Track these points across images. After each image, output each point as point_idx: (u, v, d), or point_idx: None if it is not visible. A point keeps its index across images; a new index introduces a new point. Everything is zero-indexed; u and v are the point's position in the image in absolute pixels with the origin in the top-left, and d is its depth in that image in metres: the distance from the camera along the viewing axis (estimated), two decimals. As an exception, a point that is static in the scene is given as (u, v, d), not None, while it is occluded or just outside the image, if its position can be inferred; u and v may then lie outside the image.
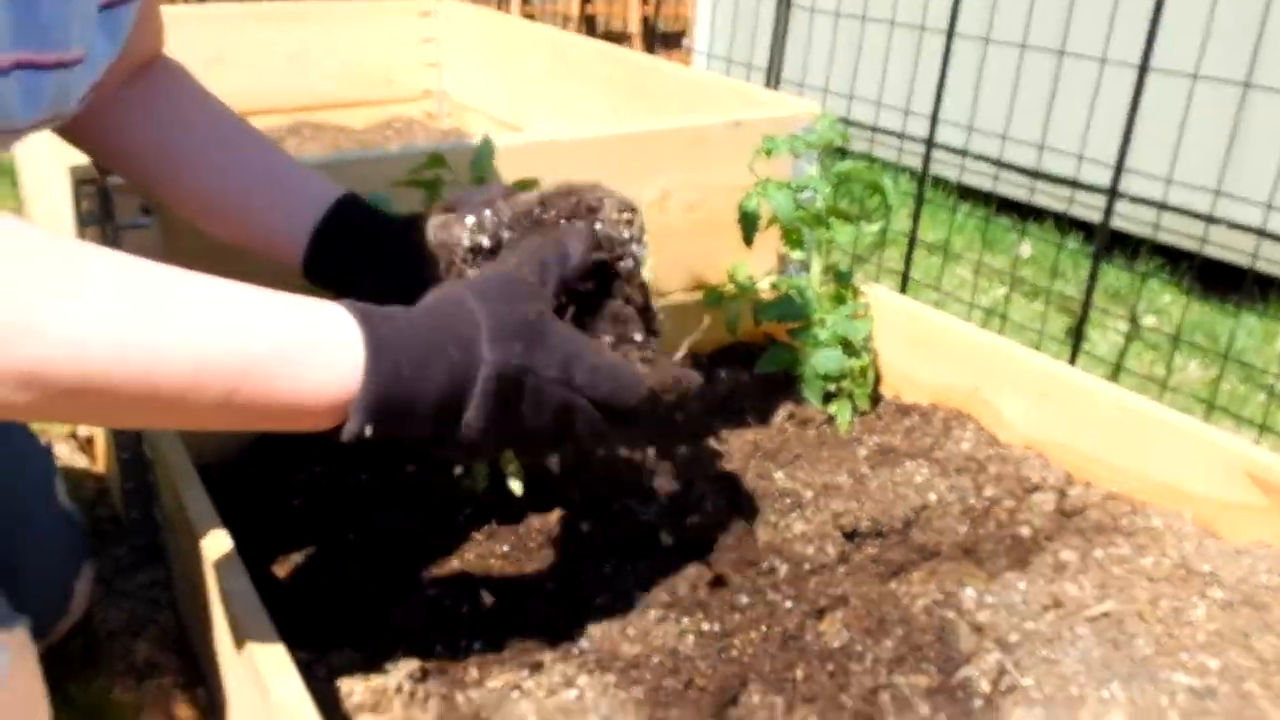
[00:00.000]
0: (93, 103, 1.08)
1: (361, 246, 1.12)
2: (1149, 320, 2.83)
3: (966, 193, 3.46)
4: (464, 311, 0.86)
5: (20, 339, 0.69)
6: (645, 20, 5.15)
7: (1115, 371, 2.22)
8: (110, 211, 1.28)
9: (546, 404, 0.88)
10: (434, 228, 1.05)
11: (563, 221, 1.01)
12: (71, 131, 1.17)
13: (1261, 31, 1.73)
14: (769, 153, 1.59)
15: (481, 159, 1.36)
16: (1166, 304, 2.87)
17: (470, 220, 1.03)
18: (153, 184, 1.21)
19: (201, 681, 1.27)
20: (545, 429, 0.88)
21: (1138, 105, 1.84)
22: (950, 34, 2.09)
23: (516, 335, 0.86)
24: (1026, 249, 3.10)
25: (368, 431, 0.81)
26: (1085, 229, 3.19)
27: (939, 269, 2.64)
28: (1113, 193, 1.90)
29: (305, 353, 0.79)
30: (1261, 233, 1.88)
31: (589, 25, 5.08)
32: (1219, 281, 2.81)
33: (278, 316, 0.80)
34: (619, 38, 5.06)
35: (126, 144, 1.19)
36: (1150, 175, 2.16)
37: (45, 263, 0.72)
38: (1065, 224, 3.22)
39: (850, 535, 1.35)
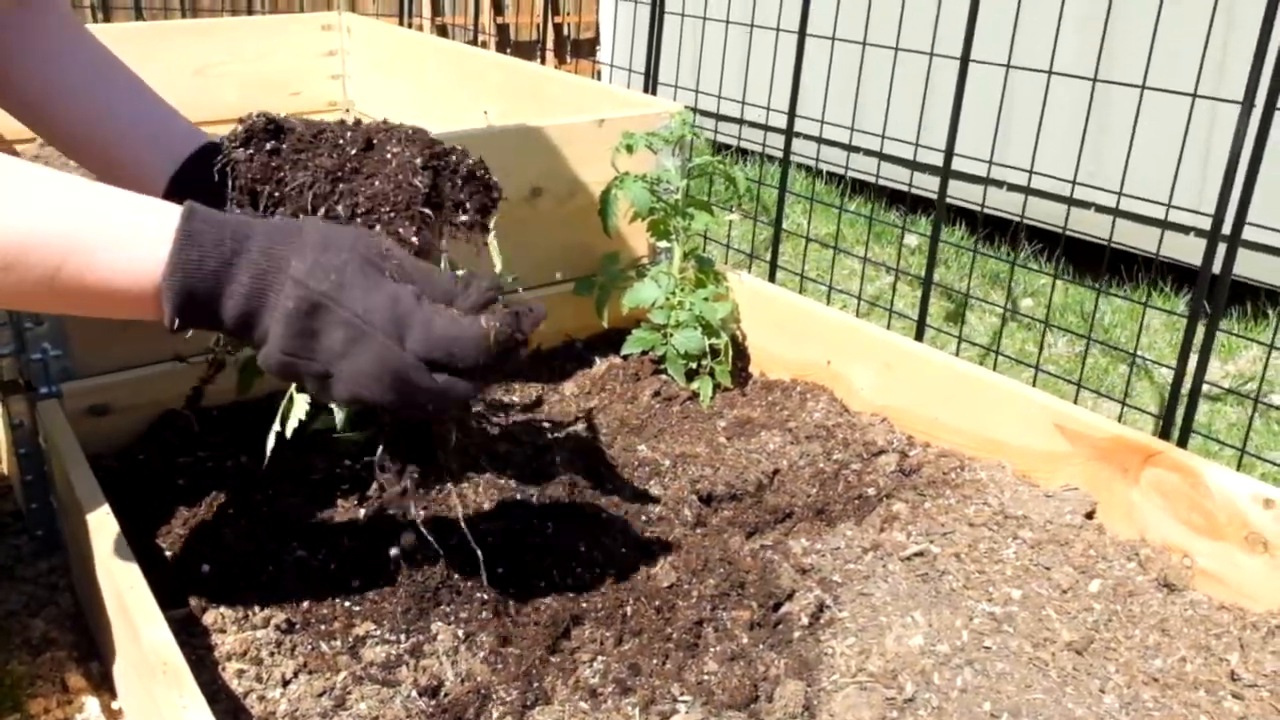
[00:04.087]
0: None
1: (217, 192, 1.15)
2: (1027, 303, 3.00)
3: (860, 187, 3.62)
4: (286, 231, 0.92)
5: None
6: (558, 29, 5.26)
7: (992, 353, 2.37)
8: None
9: (362, 346, 0.90)
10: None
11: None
12: None
13: (1106, 30, 1.89)
14: (629, 148, 1.71)
15: None
16: (1042, 286, 3.03)
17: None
18: (28, 114, 1.28)
19: (95, 655, 1.35)
20: (367, 384, 0.91)
21: (961, 97, 1.99)
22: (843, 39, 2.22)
23: (330, 267, 0.90)
24: (912, 238, 3.25)
25: (175, 319, 0.89)
26: (968, 217, 3.35)
27: (830, 260, 2.77)
28: (945, 174, 2.03)
29: (124, 238, 0.87)
30: (1117, 212, 2.03)
31: (502, 35, 5.18)
32: (1092, 263, 2.98)
33: (110, 206, 0.88)
34: (531, 48, 5.17)
35: (6, 75, 1.25)
36: (1017, 165, 2.32)
37: None
38: (949, 213, 3.37)
39: (706, 500, 1.47)
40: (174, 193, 1.20)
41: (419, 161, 1.06)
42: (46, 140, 1.32)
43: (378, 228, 1.03)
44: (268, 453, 1.10)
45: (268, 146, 1.09)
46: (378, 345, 0.91)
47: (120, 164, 1.24)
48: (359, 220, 1.04)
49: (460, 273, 0.99)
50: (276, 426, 1.09)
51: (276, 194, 1.07)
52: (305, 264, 0.90)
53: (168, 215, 0.90)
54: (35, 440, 1.47)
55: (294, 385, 1.07)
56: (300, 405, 1.06)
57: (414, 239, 1.03)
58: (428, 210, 1.05)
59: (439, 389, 0.93)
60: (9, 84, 1.27)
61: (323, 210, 1.05)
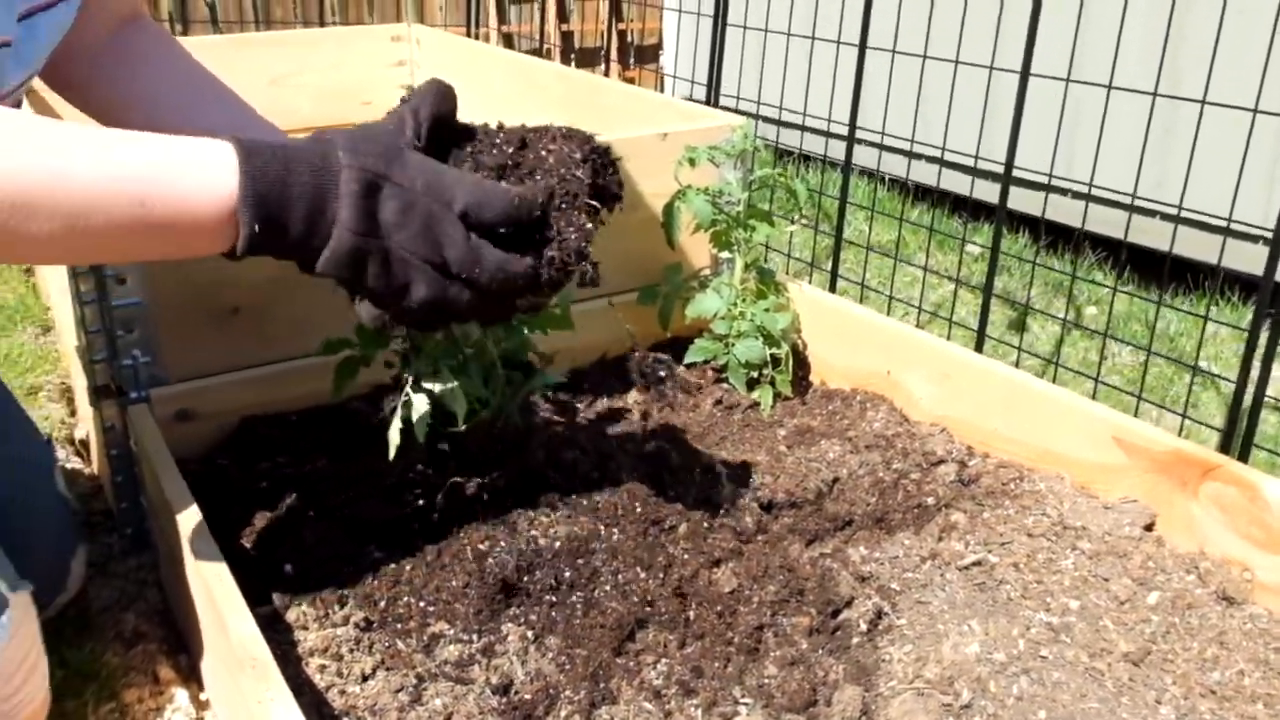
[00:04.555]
0: (81, 54, 1.27)
1: None
2: (1090, 310, 2.99)
3: (922, 193, 3.62)
4: (322, 140, 0.99)
5: None
6: (622, 36, 5.32)
7: (1052, 363, 2.38)
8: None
9: (411, 211, 0.97)
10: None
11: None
12: (58, 79, 1.34)
13: (1174, 45, 1.91)
14: (692, 162, 1.75)
15: None
16: (1106, 295, 3.01)
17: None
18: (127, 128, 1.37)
19: (183, 649, 1.42)
20: (418, 245, 0.97)
21: (1022, 110, 2.01)
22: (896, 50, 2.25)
23: (371, 153, 0.98)
24: (974, 247, 3.26)
25: (255, 229, 0.94)
26: (1032, 225, 3.34)
27: (891, 269, 2.79)
28: (1006, 179, 2.04)
29: (194, 161, 0.94)
30: (1179, 220, 2.03)
31: (566, 41, 5.25)
32: (1159, 272, 2.96)
33: (169, 145, 0.95)
34: (595, 54, 5.23)
35: (107, 93, 1.35)
36: (1078, 174, 2.32)
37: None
38: (1013, 221, 3.37)
39: (767, 507, 1.50)
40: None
41: (579, 156, 1.10)
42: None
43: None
44: (392, 450, 1.17)
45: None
46: (422, 204, 0.98)
47: None
48: None
49: None
50: (399, 424, 1.14)
51: None
52: (351, 152, 0.97)
53: (220, 144, 0.96)
54: (126, 443, 1.54)
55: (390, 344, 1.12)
56: (420, 404, 1.11)
57: (588, 226, 1.08)
58: (594, 202, 1.10)
59: (475, 246, 1.00)
60: (109, 100, 1.35)
61: None
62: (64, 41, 1.21)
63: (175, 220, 0.94)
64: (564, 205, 1.07)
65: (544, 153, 1.11)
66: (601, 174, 1.13)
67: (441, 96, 1.07)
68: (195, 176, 0.94)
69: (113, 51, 1.33)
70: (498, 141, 1.13)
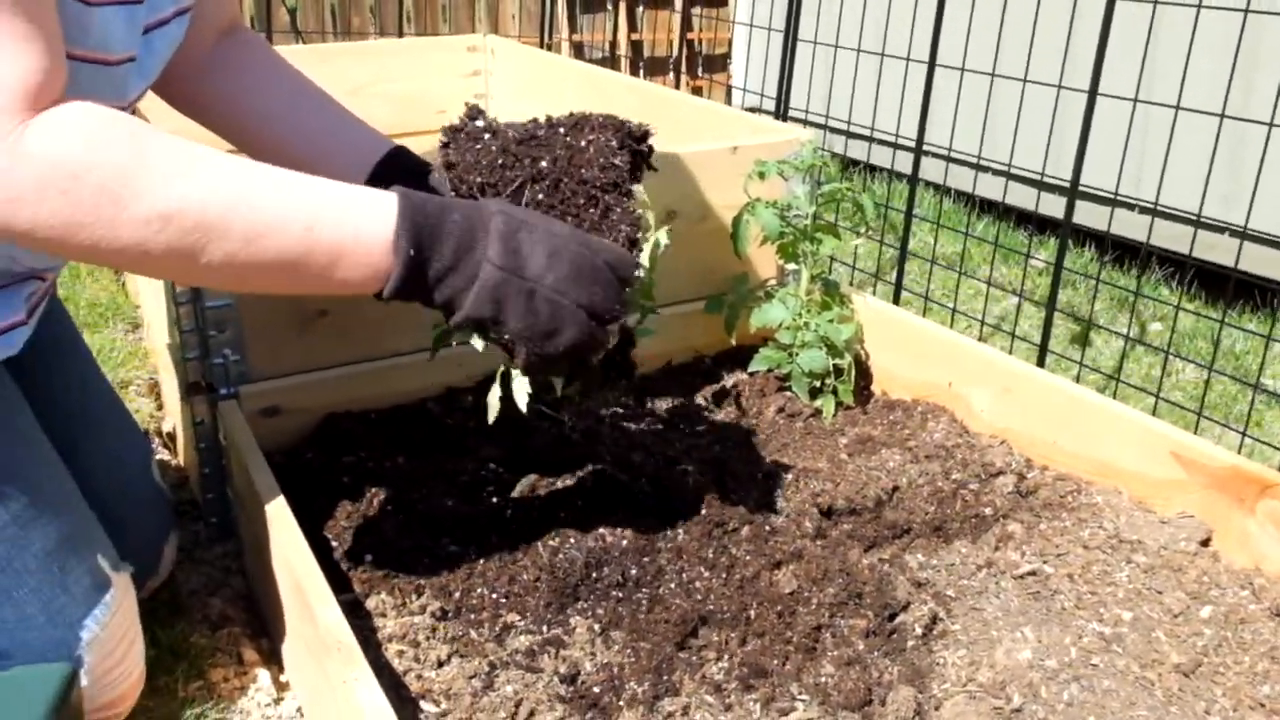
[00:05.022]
0: (186, 66, 1.36)
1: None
2: (1155, 326, 2.98)
3: (987, 206, 3.63)
4: (475, 199, 1.10)
5: (169, 184, 0.95)
6: (691, 46, 5.37)
7: (1114, 379, 2.39)
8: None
9: (563, 256, 1.05)
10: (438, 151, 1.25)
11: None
12: (166, 91, 1.43)
13: (1243, 67, 1.92)
14: (761, 175, 1.80)
15: None
16: (1170, 312, 3.01)
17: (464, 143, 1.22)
18: (233, 136, 1.47)
19: (265, 633, 1.50)
20: (568, 287, 1.05)
21: (1089, 129, 2.03)
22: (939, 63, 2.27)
23: (522, 212, 1.08)
24: (1038, 261, 3.26)
25: (410, 253, 1.02)
26: (1098, 240, 3.34)
27: (955, 281, 2.81)
28: (1073, 193, 2.06)
29: (360, 203, 1.03)
30: (1245, 237, 2.04)
31: (636, 51, 5.32)
32: (1224, 289, 2.95)
33: (340, 186, 1.04)
34: (664, 63, 5.28)
35: (214, 103, 1.44)
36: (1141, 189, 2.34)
37: (181, 143, 0.99)
38: (1078, 235, 3.37)
39: (827, 513, 1.55)
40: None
41: (615, 143, 1.19)
42: (251, 156, 1.48)
43: (594, 205, 1.17)
44: (491, 415, 1.18)
45: (489, 142, 1.21)
46: (573, 251, 1.06)
47: (323, 174, 1.40)
48: (579, 200, 1.17)
49: None
50: (498, 391, 1.17)
51: (498, 185, 1.18)
52: (503, 210, 1.07)
53: (382, 191, 1.05)
54: (215, 437, 1.62)
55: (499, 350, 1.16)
56: (522, 381, 1.15)
57: (637, 213, 1.18)
58: (631, 186, 1.19)
59: (618, 287, 1.09)
60: (216, 111, 1.44)
61: (542, 194, 1.17)
62: (174, 56, 1.29)
63: (339, 248, 1.02)
64: (599, 193, 1.16)
65: (584, 144, 1.19)
66: (638, 158, 1.22)
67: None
68: (360, 210, 1.03)
69: (220, 64, 1.42)
70: (541, 134, 1.21)
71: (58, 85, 0.96)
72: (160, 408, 2.09)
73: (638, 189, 1.23)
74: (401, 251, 1.02)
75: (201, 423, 1.62)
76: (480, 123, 1.24)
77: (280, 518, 1.32)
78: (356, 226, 1.02)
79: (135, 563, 1.27)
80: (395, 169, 1.38)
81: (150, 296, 2.11)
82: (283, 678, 1.41)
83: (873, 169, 3.87)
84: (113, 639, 1.16)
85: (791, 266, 1.87)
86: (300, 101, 1.45)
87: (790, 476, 1.60)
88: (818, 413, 1.81)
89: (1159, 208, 2.17)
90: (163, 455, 1.95)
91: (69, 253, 0.98)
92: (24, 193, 0.92)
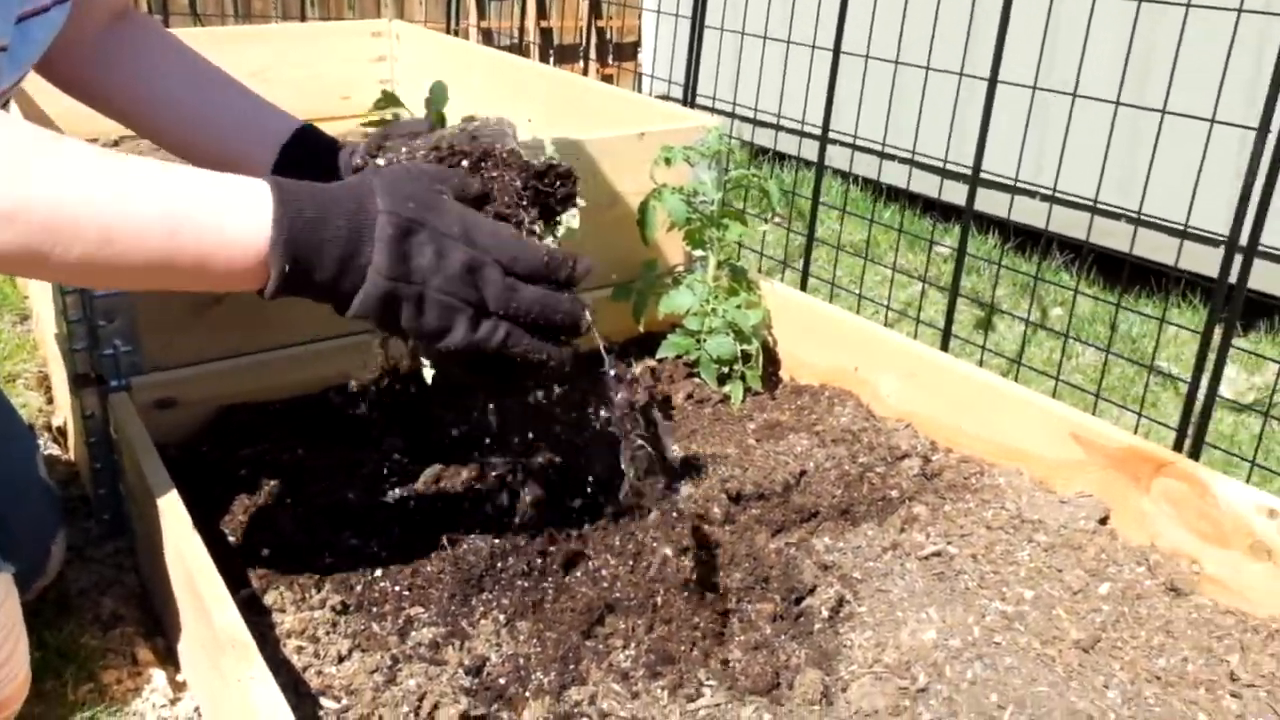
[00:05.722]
0: (76, 51, 1.31)
1: (315, 172, 1.24)
2: (1056, 311, 3.05)
3: (894, 194, 3.68)
4: (361, 182, 1.02)
5: (12, 181, 0.89)
6: (600, 33, 5.35)
7: (1016, 363, 2.43)
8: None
9: (449, 256, 1.00)
10: (352, 162, 1.23)
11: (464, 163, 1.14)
12: (57, 77, 1.37)
13: (1139, 55, 1.96)
14: (668, 161, 1.79)
15: (436, 97, 1.54)
16: (1070, 296, 3.07)
17: (381, 161, 1.17)
18: (133, 122, 1.42)
19: (160, 632, 1.45)
20: (456, 287, 1.00)
21: (989, 115, 2.06)
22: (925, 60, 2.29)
23: (409, 198, 1.00)
24: (944, 248, 3.31)
25: (286, 268, 0.96)
26: (1002, 226, 3.40)
27: (861, 268, 2.84)
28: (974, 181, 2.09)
29: (229, 203, 0.97)
30: (1139, 222, 2.09)
31: (545, 38, 5.28)
32: (1123, 274, 3.02)
33: (210, 181, 0.98)
34: (574, 51, 5.26)
35: (110, 89, 1.38)
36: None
37: (33, 136, 0.92)
38: (981, 222, 3.43)
39: (735, 498, 1.54)
40: (279, 170, 1.33)
41: (519, 184, 1.13)
42: (151, 140, 1.45)
43: None
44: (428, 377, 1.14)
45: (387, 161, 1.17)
46: (461, 251, 1.01)
47: (226, 162, 1.32)
48: None
49: None
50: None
51: None
52: (389, 196, 1.00)
53: (257, 184, 0.99)
54: (105, 430, 1.57)
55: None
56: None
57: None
58: (538, 227, 1.14)
59: (511, 284, 1.03)
60: (112, 96, 1.39)
61: None
62: (57, 40, 1.24)
63: (206, 257, 0.96)
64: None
65: (489, 179, 1.13)
66: (547, 192, 1.16)
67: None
68: (230, 216, 0.97)
69: (114, 48, 1.37)
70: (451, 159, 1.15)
71: None
72: (50, 401, 2.01)
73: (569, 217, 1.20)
74: (278, 262, 0.97)
75: (91, 416, 1.56)
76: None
77: (173, 512, 1.27)
78: (223, 231, 0.96)
79: (21, 562, 1.22)
80: (304, 149, 1.35)
81: (38, 286, 2.03)
82: (179, 677, 1.37)
83: (780, 157, 3.89)
84: (-6, 639, 1.11)
85: (699, 253, 1.87)
86: (200, 83, 1.40)
87: (698, 462, 1.60)
88: (726, 398, 1.80)
89: (1058, 194, 2.20)
90: (53, 450, 1.88)
91: None
92: None
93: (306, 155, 1.34)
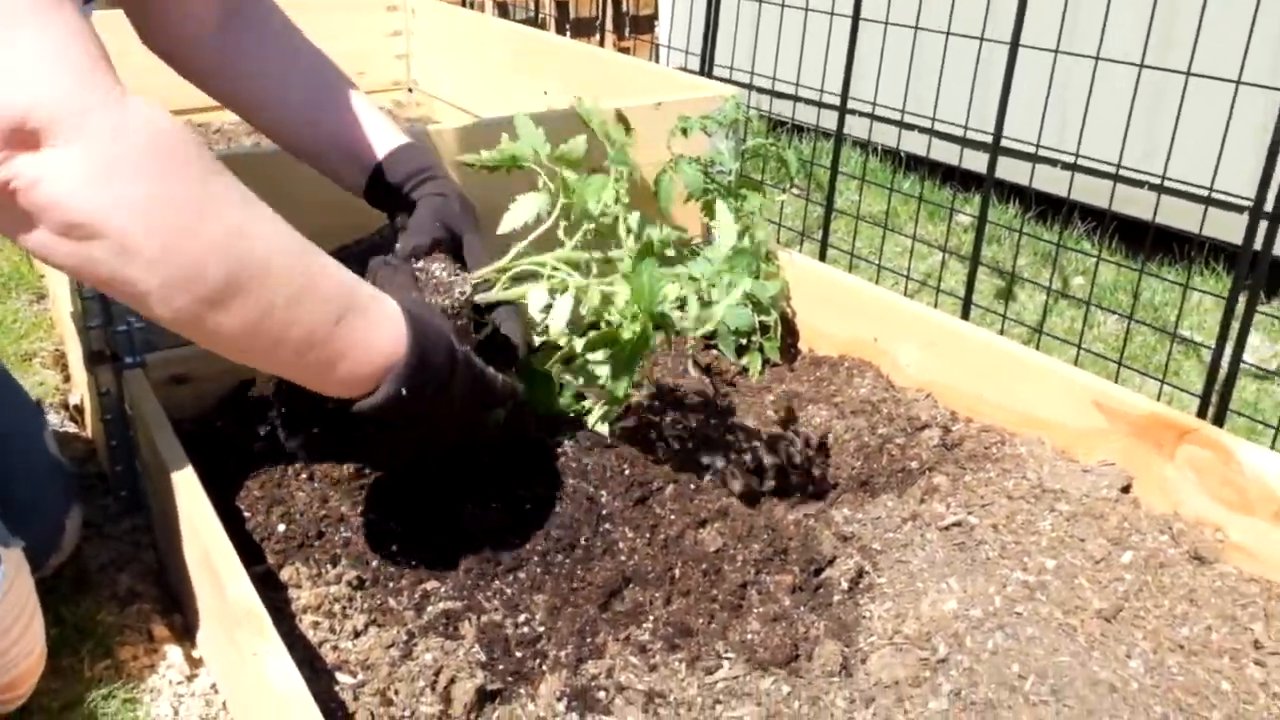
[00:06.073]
0: (199, 43, 1.36)
1: (398, 191, 1.37)
2: (1078, 280, 3.01)
3: (914, 163, 3.64)
4: (437, 317, 1.12)
5: (247, 207, 0.96)
6: (617, 6, 5.30)
7: (1038, 331, 2.40)
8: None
9: (480, 386, 1.15)
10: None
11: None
12: (185, 68, 1.41)
13: (1163, 17, 1.93)
14: (684, 131, 1.77)
15: None
16: (1093, 265, 3.03)
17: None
18: (247, 113, 1.44)
19: (177, 608, 1.45)
20: (472, 406, 1.16)
21: (1011, 80, 2.03)
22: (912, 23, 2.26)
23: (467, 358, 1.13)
24: (964, 217, 3.27)
25: (401, 392, 1.04)
26: (1023, 195, 3.36)
27: (881, 238, 2.81)
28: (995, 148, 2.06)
29: (374, 308, 1.05)
30: (1163, 189, 2.05)
31: (562, 12, 5.24)
32: (1146, 241, 2.99)
33: (367, 288, 1.06)
34: (590, 24, 5.21)
35: (231, 84, 1.41)
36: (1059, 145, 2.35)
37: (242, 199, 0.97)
38: (1002, 190, 3.38)
39: (753, 471, 1.53)
40: (370, 194, 1.40)
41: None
42: (262, 132, 1.48)
43: None
44: None
45: None
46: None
47: (325, 169, 1.43)
48: None
49: None
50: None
51: None
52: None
53: (398, 312, 1.08)
54: (121, 407, 1.57)
55: None
56: None
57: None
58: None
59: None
60: (227, 88, 1.42)
61: None
62: (175, 30, 1.33)
63: (352, 346, 1.02)
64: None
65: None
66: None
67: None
68: (377, 316, 1.04)
69: (229, 45, 1.39)
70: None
71: None
72: (67, 379, 2.02)
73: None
74: (393, 386, 1.05)
75: (107, 393, 1.56)
76: None
77: (188, 488, 1.27)
78: (375, 332, 1.04)
79: (34, 539, 1.22)
80: (392, 169, 1.38)
81: (54, 265, 2.03)
82: (195, 654, 1.37)
83: (799, 130, 3.85)
84: (6, 618, 1.11)
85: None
86: (320, 85, 1.41)
87: (717, 435, 1.58)
88: (744, 370, 1.79)
89: (1080, 161, 2.17)
90: (70, 428, 1.89)
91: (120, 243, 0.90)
92: (125, 158, 0.87)
93: (394, 174, 1.38)
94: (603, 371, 1.28)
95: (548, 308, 1.29)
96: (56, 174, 0.85)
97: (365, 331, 1.02)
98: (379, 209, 1.41)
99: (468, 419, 1.18)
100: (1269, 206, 1.71)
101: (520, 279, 1.32)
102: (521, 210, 1.36)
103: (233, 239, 0.92)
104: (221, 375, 1.59)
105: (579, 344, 1.31)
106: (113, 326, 1.52)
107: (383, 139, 1.40)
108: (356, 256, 1.24)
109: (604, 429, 1.39)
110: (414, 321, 1.06)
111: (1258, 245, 1.75)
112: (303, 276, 0.98)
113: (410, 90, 3.21)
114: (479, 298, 1.29)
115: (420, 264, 1.25)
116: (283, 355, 1.02)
